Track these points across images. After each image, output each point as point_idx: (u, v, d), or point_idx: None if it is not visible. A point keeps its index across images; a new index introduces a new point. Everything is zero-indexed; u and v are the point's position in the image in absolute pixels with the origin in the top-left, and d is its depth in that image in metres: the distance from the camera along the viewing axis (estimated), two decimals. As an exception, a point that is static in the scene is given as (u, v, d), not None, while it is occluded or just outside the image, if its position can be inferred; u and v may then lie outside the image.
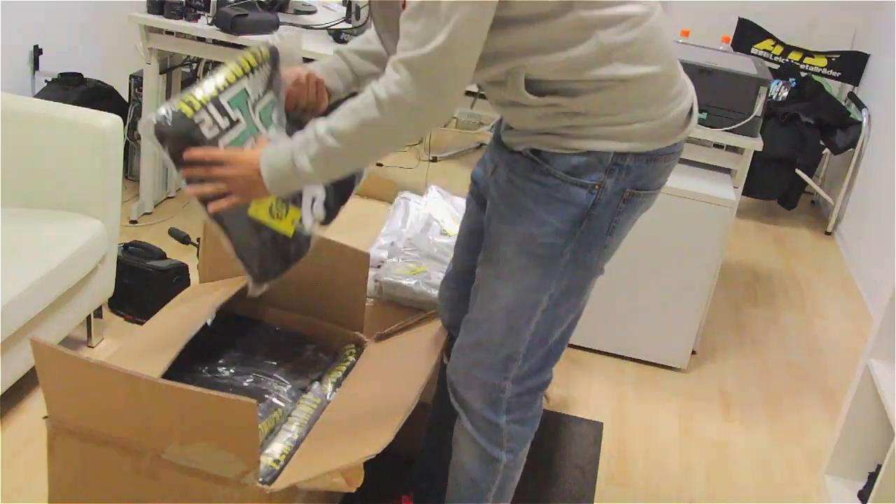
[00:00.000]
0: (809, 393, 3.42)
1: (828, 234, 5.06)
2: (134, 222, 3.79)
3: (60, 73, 3.85)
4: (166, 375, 1.85)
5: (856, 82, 5.34)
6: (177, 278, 3.09)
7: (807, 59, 5.36)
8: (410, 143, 1.74)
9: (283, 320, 2.40)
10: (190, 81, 4.01)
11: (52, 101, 2.94)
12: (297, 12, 3.82)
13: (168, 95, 3.88)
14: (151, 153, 3.83)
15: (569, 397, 3.10)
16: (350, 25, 3.57)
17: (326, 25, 3.64)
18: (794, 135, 4.90)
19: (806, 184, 5.05)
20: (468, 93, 2.95)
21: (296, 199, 1.96)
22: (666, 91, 1.73)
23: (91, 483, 1.88)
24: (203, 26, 3.52)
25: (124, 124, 3.72)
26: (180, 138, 1.74)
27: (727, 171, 3.35)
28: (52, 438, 1.88)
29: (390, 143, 1.68)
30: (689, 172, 3.26)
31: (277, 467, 1.86)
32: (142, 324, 3.07)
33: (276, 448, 1.92)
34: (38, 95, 3.76)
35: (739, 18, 5.37)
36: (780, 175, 4.93)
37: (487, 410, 1.90)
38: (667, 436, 3.02)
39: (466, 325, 1.91)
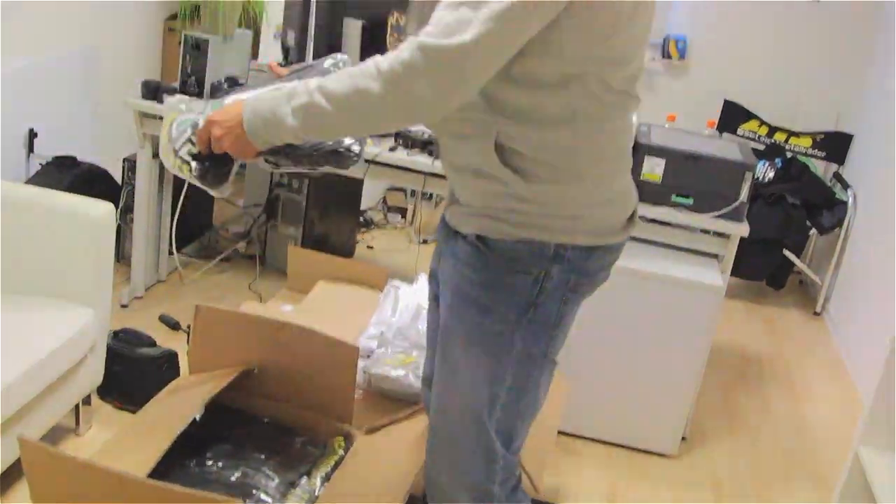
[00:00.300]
0: (801, 478, 3.41)
1: (816, 314, 5.08)
2: (125, 307, 3.80)
3: (55, 157, 3.89)
4: (154, 469, 1.85)
5: (841, 162, 5.41)
6: (166, 366, 3.09)
7: (792, 140, 5.44)
8: (392, 129, 1.75)
9: (272, 411, 2.40)
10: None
11: (45, 188, 2.96)
12: (290, 98, 3.87)
13: (161, 180, 3.91)
14: (144, 237, 3.85)
15: (560, 486, 3.08)
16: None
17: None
18: (780, 215, 4.95)
19: (794, 264, 5.09)
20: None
21: None
22: (615, 195, 1.76)
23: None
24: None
25: (117, 207, 3.75)
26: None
27: (714, 255, 3.38)
28: (38, 537, 1.87)
29: (375, 120, 1.61)
30: (676, 258, 3.29)
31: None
32: (131, 412, 3.07)
33: (264, 546, 1.91)
34: (33, 178, 3.79)
35: (725, 100, 5.46)
36: (768, 256, 4.96)
37: None
38: (657, 524, 3.01)
39: (431, 423, 1.90)
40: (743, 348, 4.49)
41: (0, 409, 2.36)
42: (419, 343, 2.56)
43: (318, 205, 4.32)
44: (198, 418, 2.14)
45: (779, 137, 5.45)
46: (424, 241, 4.97)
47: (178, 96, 1.94)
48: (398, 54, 1.52)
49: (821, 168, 5.47)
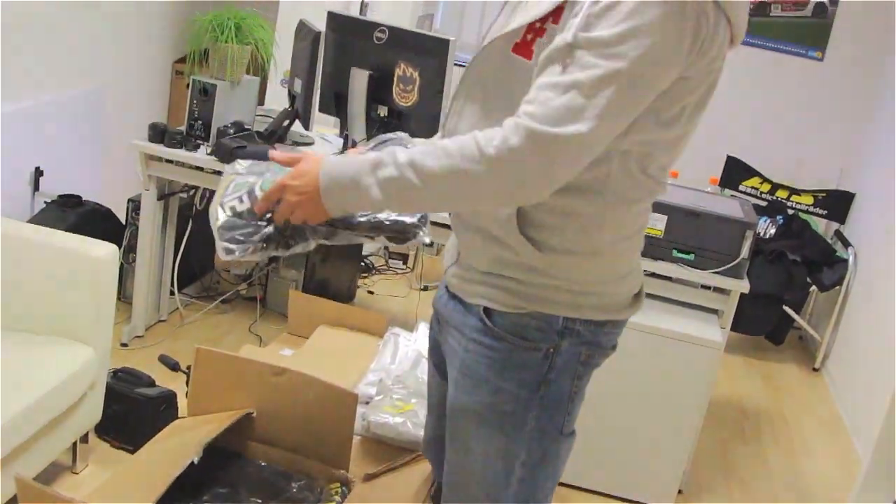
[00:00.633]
0: (797, 536, 3.40)
1: (815, 370, 5.08)
2: (125, 345, 3.80)
3: (60, 195, 3.91)
4: (150, 514, 1.85)
5: (842, 220, 5.43)
6: (165, 406, 3.09)
7: (794, 197, 5.47)
8: (495, 208, 1.61)
9: (269, 456, 2.40)
10: (187, 208, 4.07)
11: (48, 228, 2.99)
12: (295, 143, 3.91)
13: (165, 221, 3.94)
14: (146, 277, 3.86)
15: (554, 537, 3.07)
16: (346, 158, 3.64)
17: (323, 158, 3.72)
18: (781, 272, 4.97)
19: (794, 320, 5.10)
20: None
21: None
22: (626, 272, 1.71)
23: None
24: (202, 156, 3.60)
25: (120, 247, 3.77)
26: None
27: (714, 311, 3.39)
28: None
29: (469, 202, 1.54)
30: (676, 312, 3.30)
31: None
32: (128, 451, 3.07)
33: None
34: (37, 216, 3.81)
35: (728, 156, 5.50)
36: (768, 311, 4.97)
37: None
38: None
39: (444, 498, 1.83)
40: (741, 403, 4.48)
41: (-3, 447, 2.36)
42: (418, 391, 2.57)
43: (320, 249, 4.33)
44: (196, 461, 2.14)
45: (780, 194, 5.48)
46: (425, 288, 4.98)
47: (242, 161, 1.89)
48: (505, 138, 1.44)
49: (822, 226, 5.49)
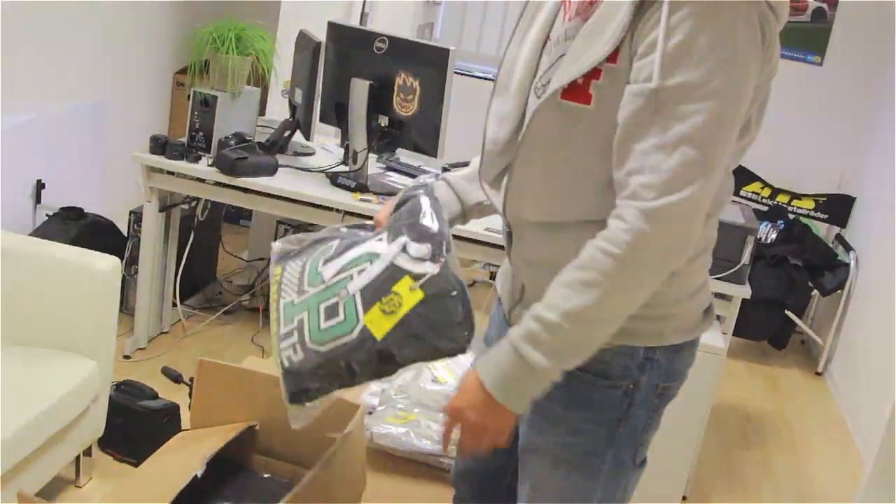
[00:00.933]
0: (801, 541, 3.40)
1: (818, 374, 5.08)
2: (127, 357, 3.81)
3: (61, 208, 3.92)
4: (153, 528, 1.85)
5: (843, 225, 5.44)
6: (168, 419, 3.09)
7: (794, 202, 5.47)
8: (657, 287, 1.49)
9: (273, 469, 2.40)
10: (189, 219, 4.08)
11: (51, 241, 3.00)
12: (296, 154, 3.91)
13: (167, 232, 3.94)
14: (148, 288, 3.87)
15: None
16: (347, 169, 3.66)
17: (324, 169, 3.73)
18: (782, 276, 4.97)
19: (796, 324, 5.10)
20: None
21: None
22: (699, 287, 1.65)
23: None
24: (203, 167, 3.61)
25: (122, 259, 3.78)
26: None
27: (716, 317, 3.38)
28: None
29: (641, 298, 1.45)
30: (679, 318, 3.30)
31: None
32: (131, 464, 3.07)
33: None
34: (39, 229, 3.82)
35: (728, 161, 5.49)
36: (770, 316, 4.97)
37: None
38: (657, 586, 2.99)
39: None
40: (744, 407, 4.48)
41: (0, 462, 2.37)
42: (421, 401, 2.57)
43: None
44: (199, 475, 2.14)
45: (781, 199, 5.49)
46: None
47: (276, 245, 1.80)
48: (632, 230, 1.38)
49: (823, 230, 5.50)
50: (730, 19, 1.38)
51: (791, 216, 5.40)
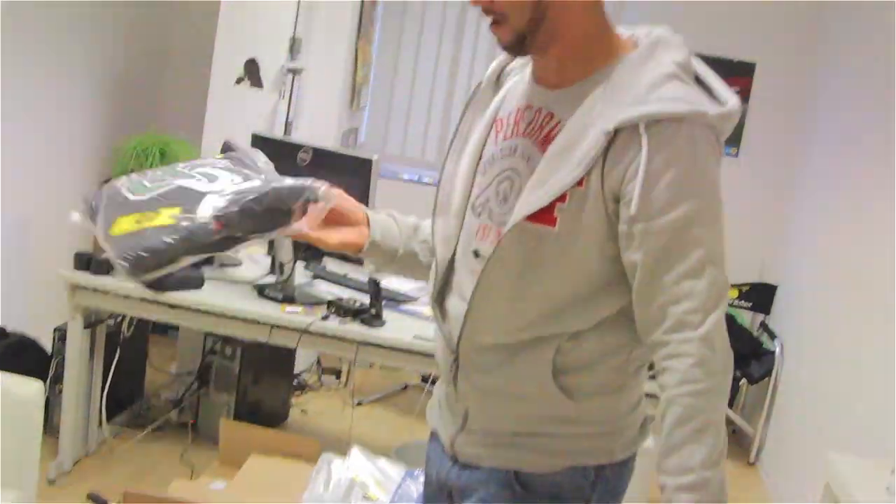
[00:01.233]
0: None
1: (751, 464, 5.11)
2: (52, 482, 3.70)
3: (-18, 330, 3.85)
4: None
5: (767, 312, 5.54)
6: (94, 547, 3.01)
7: (719, 292, 5.56)
8: None
9: None
10: (115, 335, 4.02)
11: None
12: (223, 265, 3.90)
13: (92, 349, 3.88)
14: (73, 408, 3.79)
15: None
16: (275, 280, 3.65)
17: (250, 281, 3.72)
18: (711, 367, 5.03)
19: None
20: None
21: (171, 200, 1.75)
22: (638, 399, 1.68)
23: None
24: (129, 283, 3.57)
25: (46, 378, 3.71)
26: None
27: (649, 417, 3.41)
28: None
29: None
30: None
31: None
32: None
33: None
34: (-40, 350, 3.74)
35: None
36: (701, 407, 5.01)
37: None
38: None
39: None
40: (680, 502, 4.47)
41: None
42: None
43: (251, 370, 4.31)
44: None
45: (705, 289, 5.57)
46: (359, 403, 4.96)
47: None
48: (697, 366, 1.43)
49: (748, 319, 5.60)
50: (703, 148, 1.49)
51: (716, 306, 5.48)
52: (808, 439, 4.41)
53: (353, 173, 3.44)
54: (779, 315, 5.43)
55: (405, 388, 5.33)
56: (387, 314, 3.43)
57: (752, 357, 5.16)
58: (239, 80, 4.61)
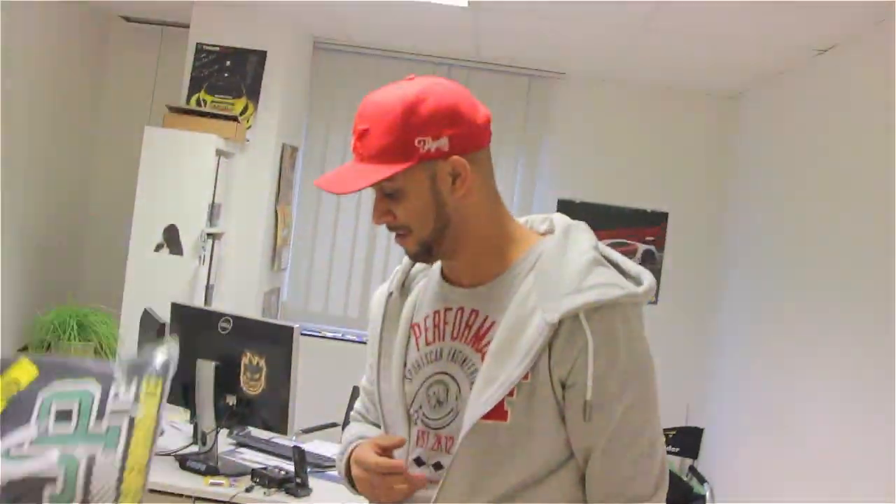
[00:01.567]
0: None
1: None
2: None
3: None
4: None
5: (694, 456, 5.57)
6: None
7: (646, 438, 5.58)
8: None
9: None
10: None
11: None
12: (144, 437, 3.80)
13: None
14: None
15: None
16: (197, 450, 3.58)
17: (172, 452, 3.63)
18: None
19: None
20: None
21: None
22: None
23: None
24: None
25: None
26: None
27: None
28: None
29: None
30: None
31: None
32: None
33: None
34: None
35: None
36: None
37: None
38: None
39: None
40: None
41: None
42: None
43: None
44: None
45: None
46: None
47: None
48: None
49: (676, 464, 5.61)
50: (636, 325, 1.58)
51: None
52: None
53: (275, 342, 3.44)
54: (707, 459, 5.46)
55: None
56: (313, 482, 3.37)
57: (682, 503, 5.15)
58: (158, 247, 4.61)
